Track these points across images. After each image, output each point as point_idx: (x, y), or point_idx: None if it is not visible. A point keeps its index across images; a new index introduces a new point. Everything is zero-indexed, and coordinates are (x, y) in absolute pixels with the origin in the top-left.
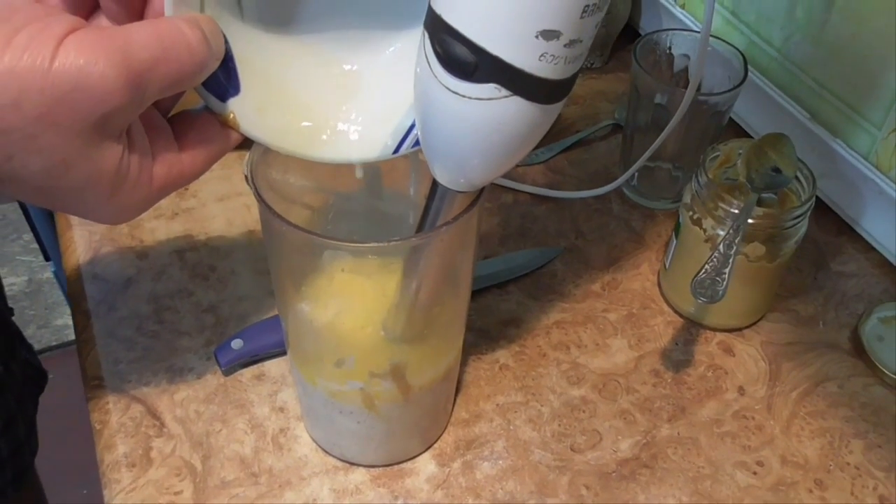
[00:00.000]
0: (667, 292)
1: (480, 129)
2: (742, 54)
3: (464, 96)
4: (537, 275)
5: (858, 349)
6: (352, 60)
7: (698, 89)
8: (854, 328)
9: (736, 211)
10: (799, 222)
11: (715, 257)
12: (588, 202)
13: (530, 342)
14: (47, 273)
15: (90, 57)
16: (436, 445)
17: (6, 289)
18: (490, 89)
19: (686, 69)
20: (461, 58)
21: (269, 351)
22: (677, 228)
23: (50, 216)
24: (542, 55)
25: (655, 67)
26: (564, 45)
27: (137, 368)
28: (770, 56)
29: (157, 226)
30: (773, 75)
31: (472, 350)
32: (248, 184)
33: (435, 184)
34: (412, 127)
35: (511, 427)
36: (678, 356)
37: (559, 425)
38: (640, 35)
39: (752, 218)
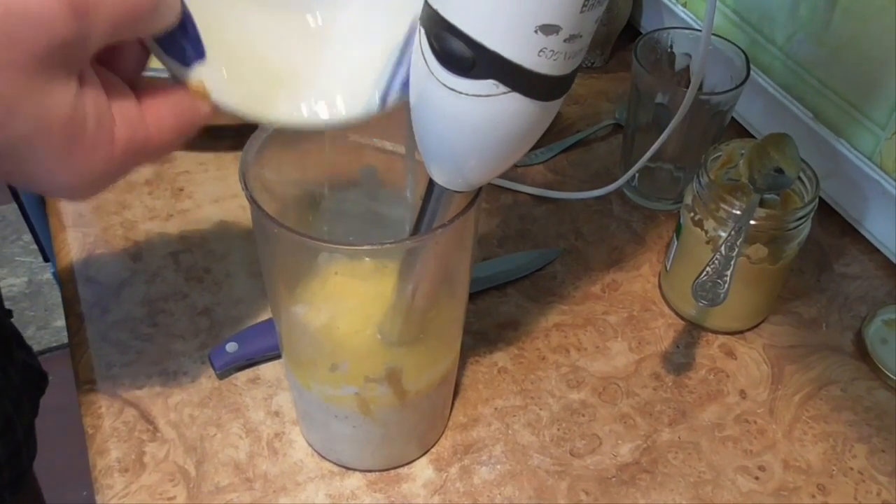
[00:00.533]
0: (668, 294)
1: (478, 126)
2: (744, 53)
3: (462, 93)
4: (536, 277)
5: (862, 352)
6: (318, 14)
7: (700, 89)
8: (857, 331)
9: (738, 212)
10: (802, 223)
11: (716, 259)
12: (588, 203)
13: (529, 345)
14: (47, 274)
15: None
16: (433, 450)
17: (5, 290)
18: (488, 86)
19: (687, 68)
20: (459, 54)
21: (265, 354)
22: (678, 230)
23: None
24: (541, 50)
25: (656, 66)
26: (564, 41)
27: (131, 372)
28: (773, 55)
29: (152, 227)
30: (775, 74)
31: (471, 353)
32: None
33: (431, 184)
34: (395, 75)
35: (510, 431)
36: (679, 359)
37: (558, 429)
38: (641, 34)
39: (754, 219)
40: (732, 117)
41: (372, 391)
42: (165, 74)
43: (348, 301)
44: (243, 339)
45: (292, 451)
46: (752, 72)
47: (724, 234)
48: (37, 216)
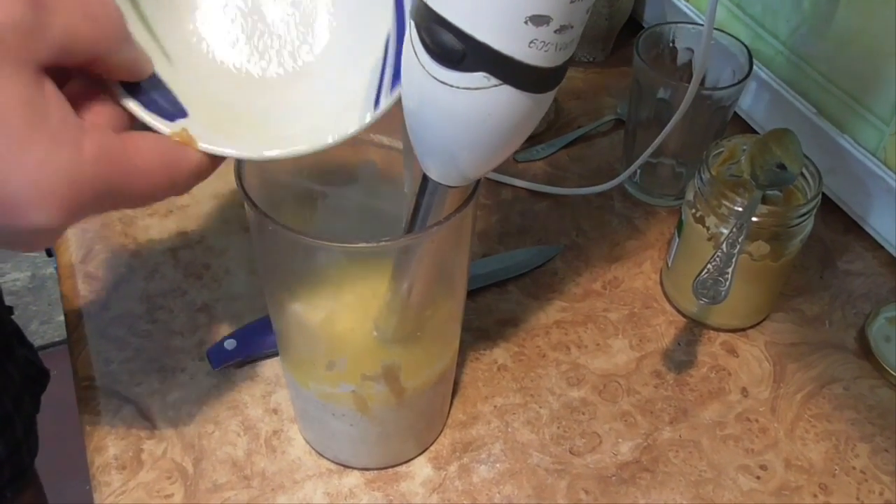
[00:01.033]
0: (669, 291)
1: (470, 119)
2: (747, 48)
3: (453, 86)
4: (537, 273)
5: (865, 350)
6: (296, 54)
7: (702, 84)
8: (861, 328)
9: (740, 209)
10: (804, 220)
11: (718, 256)
12: (589, 199)
13: (529, 342)
14: (50, 269)
15: None
16: (432, 448)
17: (9, 284)
18: (479, 78)
19: (690, 63)
20: (449, 46)
21: (263, 351)
22: (680, 226)
23: None
24: (531, 42)
25: (658, 61)
26: (555, 31)
27: (129, 369)
28: (776, 49)
29: (151, 223)
30: (779, 69)
31: (470, 350)
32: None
33: (426, 179)
34: (383, 75)
35: (509, 429)
36: (680, 357)
37: (558, 427)
38: (643, 28)
39: (756, 216)
40: (735, 112)
41: (369, 389)
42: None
43: (345, 298)
44: (241, 337)
45: (290, 448)
46: (754, 66)
47: (725, 231)
48: None
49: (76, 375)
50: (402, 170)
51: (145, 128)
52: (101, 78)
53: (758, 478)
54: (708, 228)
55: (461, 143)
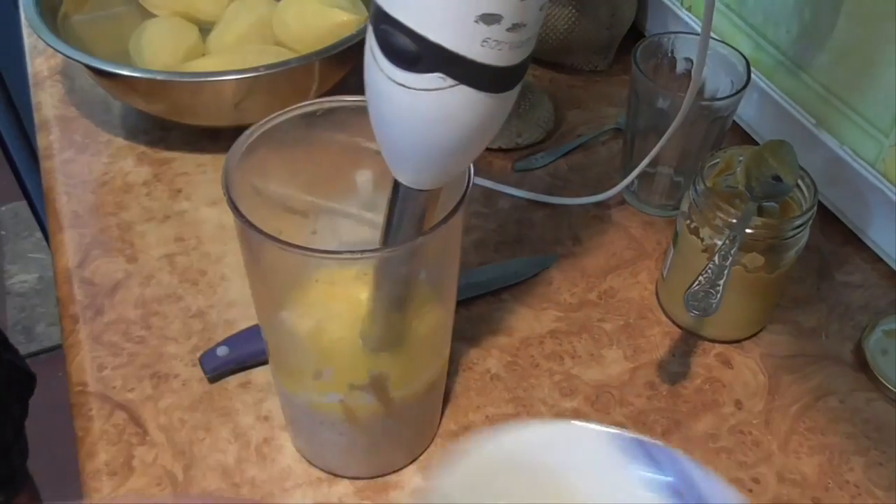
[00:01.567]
0: (664, 302)
1: (430, 121)
2: (745, 58)
3: (410, 88)
4: (532, 283)
5: (862, 363)
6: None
7: (701, 94)
8: (858, 341)
9: (734, 220)
10: (799, 232)
11: (709, 269)
12: (587, 208)
13: (523, 352)
14: None
15: None
16: (422, 458)
17: (17, 286)
18: (435, 79)
19: (689, 73)
20: (403, 48)
21: (256, 358)
22: (675, 237)
23: None
24: (484, 41)
25: (658, 71)
26: (507, 30)
27: (122, 374)
28: (776, 60)
29: (148, 229)
30: (779, 79)
31: (463, 359)
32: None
33: (396, 184)
34: None
35: None
36: (675, 368)
37: None
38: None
39: (750, 227)
40: (735, 122)
41: (357, 399)
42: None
43: (332, 308)
44: (234, 343)
45: (281, 456)
46: (755, 77)
47: (720, 243)
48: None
49: (70, 380)
50: None
51: None
52: None
53: (750, 491)
54: (702, 240)
55: (425, 145)
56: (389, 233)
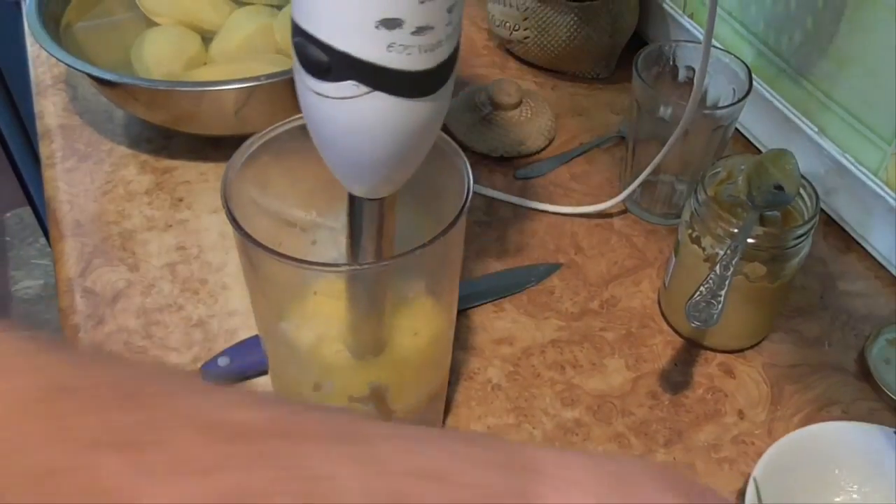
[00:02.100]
0: (666, 311)
1: (354, 129)
2: (747, 66)
3: (328, 97)
4: (534, 292)
5: (865, 372)
6: None
7: (703, 102)
8: (861, 350)
9: (736, 230)
10: (801, 242)
11: (711, 279)
12: (589, 216)
13: (524, 361)
14: None
15: None
16: None
17: (22, 292)
18: (349, 87)
19: (691, 81)
20: (315, 58)
21: (257, 368)
22: (677, 246)
23: None
24: (389, 45)
25: (659, 79)
26: (412, 34)
27: None
28: (778, 67)
29: (150, 237)
30: (781, 87)
31: (464, 369)
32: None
33: (352, 196)
34: None
35: None
36: (677, 377)
37: None
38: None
39: (752, 237)
40: (738, 130)
41: (357, 411)
42: None
43: (329, 321)
44: (235, 354)
45: None
46: (757, 85)
47: (721, 252)
48: None
49: None
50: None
51: None
52: None
53: None
54: (704, 249)
55: (356, 153)
56: (354, 243)
